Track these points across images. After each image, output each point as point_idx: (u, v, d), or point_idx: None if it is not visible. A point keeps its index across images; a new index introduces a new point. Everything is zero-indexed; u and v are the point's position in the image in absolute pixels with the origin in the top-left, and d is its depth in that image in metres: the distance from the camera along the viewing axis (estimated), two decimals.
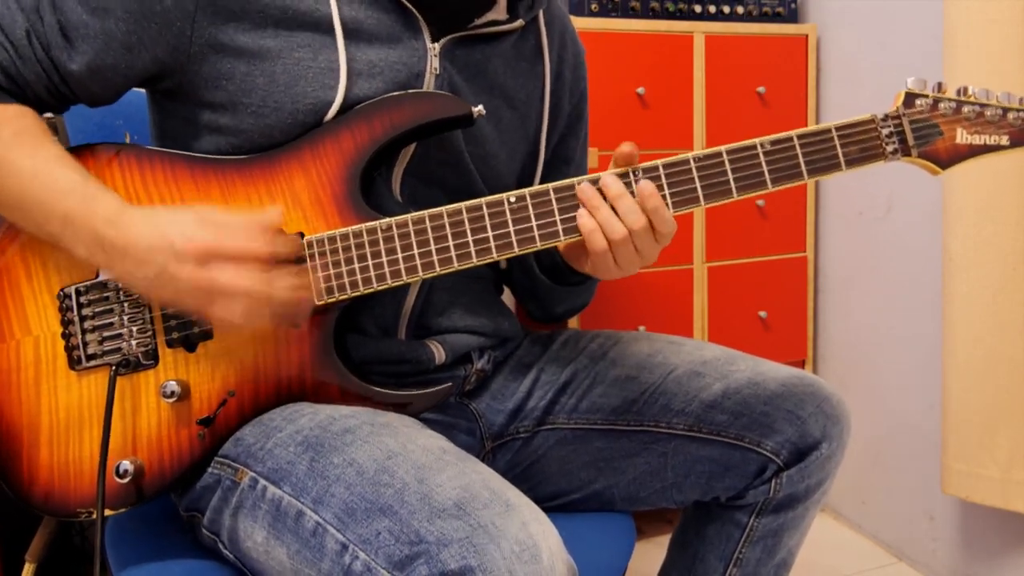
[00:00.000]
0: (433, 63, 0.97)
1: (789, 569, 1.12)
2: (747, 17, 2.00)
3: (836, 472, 1.06)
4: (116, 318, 0.90)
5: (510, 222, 0.90)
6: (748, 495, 1.04)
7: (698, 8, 1.96)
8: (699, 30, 1.93)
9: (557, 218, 0.90)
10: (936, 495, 1.85)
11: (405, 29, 0.96)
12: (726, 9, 1.97)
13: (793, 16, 2.04)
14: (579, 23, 1.82)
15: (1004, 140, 0.92)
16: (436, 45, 0.97)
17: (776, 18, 2.02)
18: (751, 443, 1.02)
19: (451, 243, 0.90)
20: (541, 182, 1.12)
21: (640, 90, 1.88)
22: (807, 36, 2.04)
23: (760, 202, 2.03)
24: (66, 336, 0.90)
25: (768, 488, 1.03)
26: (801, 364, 2.14)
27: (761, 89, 1.99)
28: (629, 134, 1.88)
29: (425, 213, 0.90)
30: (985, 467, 1.61)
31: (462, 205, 0.90)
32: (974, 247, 1.57)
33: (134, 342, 0.90)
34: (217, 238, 0.82)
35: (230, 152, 0.94)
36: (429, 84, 0.97)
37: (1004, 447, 1.59)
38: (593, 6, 1.85)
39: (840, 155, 0.92)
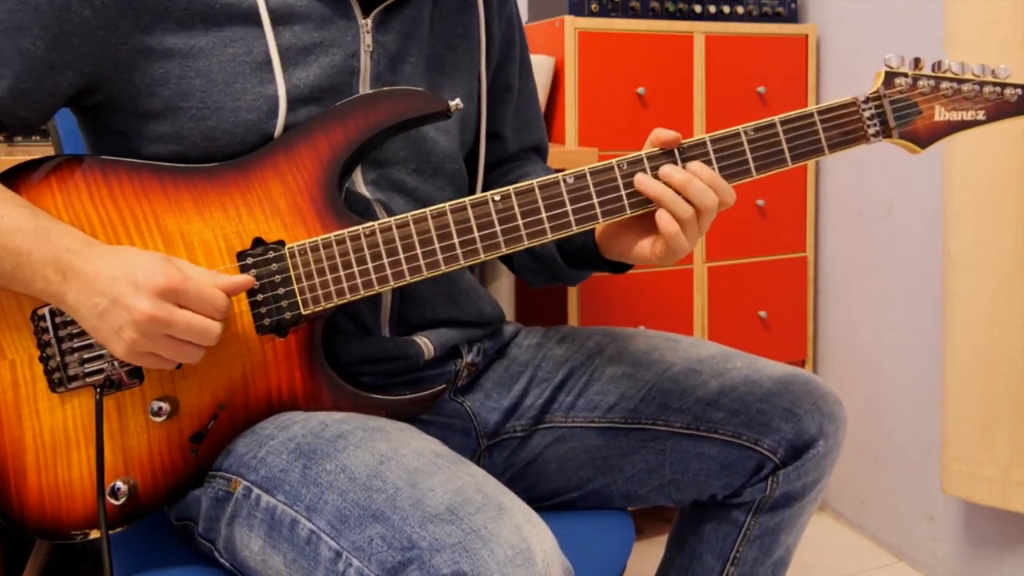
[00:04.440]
0: (366, 40, 0.96)
1: (786, 568, 1.12)
2: (747, 17, 2.00)
3: (832, 470, 1.06)
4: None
5: (496, 221, 0.89)
6: (745, 493, 1.04)
7: (698, 8, 1.96)
8: (699, 30, 1.93)
9: (544, 215, 0.89)
10: (936, 495, 1.85)
11: (335, 8, 0.95)
12: (726, 9, 1.97)
13: (793, 16, 2.04)
14: (579, 23, 1.83)
15: (981, 115, 0.93)
16: (368, 20, 0.96)
17: (776, 18, 2.02)
18: (748, 441, 1.02)
19: (437, 245, 0.89)
20: (488, 113, 1.11)
21: (640, 90, 1.88)
22: (807, 36, 2.04)
23: (760, 202, 2.03)
24: (44, 359, 0.87)
25: (765, 486, 1.03)
26: (801, 364, 2.14)
27: (761, 89, 1.99)
28: (629, 134, 1.88)
29: (408, 216, 0.89)
30: (985, 467, 1.61)
31: (446, 206, 0.89)
32: (974, 247, 1.57)
33: (116, 362, 0.87)
34: (183, 279, 0.80)
35: (172, 161, 0.90)
36: (364, 62, 0.96)
37: (1004, 447, 1.59)
38: (593, 6, 1.85)
39: (823, 139, 0.91)
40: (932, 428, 1.83)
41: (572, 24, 1.82)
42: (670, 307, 1.97)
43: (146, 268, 0.80)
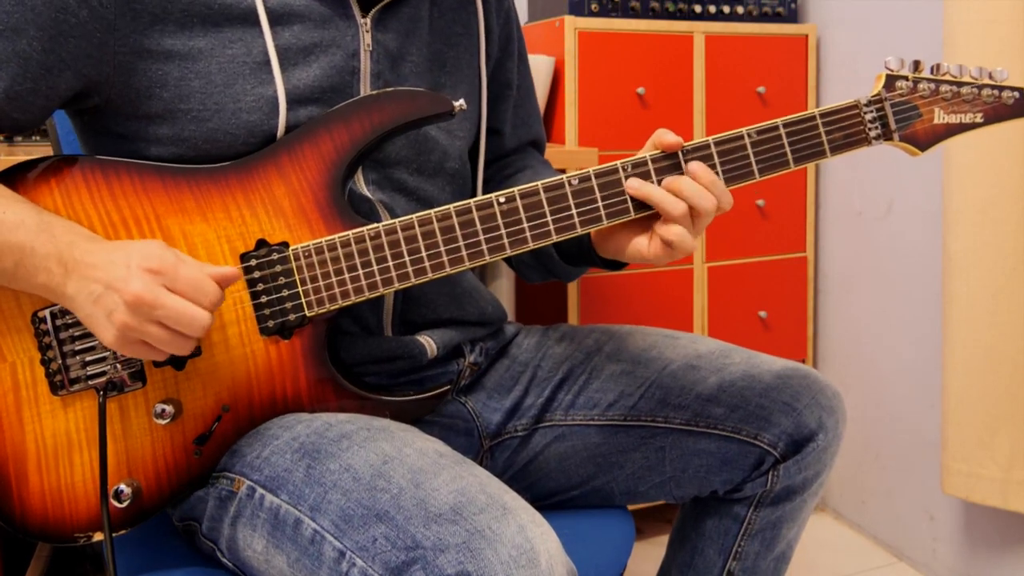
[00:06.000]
0: (366, 39, 0.96)
1: (788, 562, 1.12)
2: (747, 17, 2.00)
3: (833, 464, 1.06)
4: (97, 340, 0.86)
5: (501, 224, 0.89)
6: (746, 488, 1.04)
7: (698, 8, 1.96)
8: (699, 30, 1.93)
9: (548, 218, 0.89)
10: (936, 495, 1.85)
11: (334, 7, 0.94)
12: (726, 9, 1.97)
13: (793, 16, 2.04)
14: (579, 23, 1.83)
15: (979, 118, 0.94)
16: (367, 19, 0.96)
17: (776, 18, 2.02)
18: (748, 436, 1.02)
19: (442, 247, 0.88)
20: (488, 110, 1.11)
21: (640, 90, 1.89)
22: (807, 36, 2.04)
23: (760, 202, 2.03)
24: (45, 362, 0.86)
25: (765, 480, 1.03)
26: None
27: (761, 89, 2.00)
28: (629, 134, 1.88)
29: (413, 218, 0.88)
30: (985, 467, 1.61)
31: (450, 208, 0.88)
32: (974, 247, 1.57)
33: (119, 364, 0.87)
34: (175, 263, 0.79)
35: (174, 163, 0.90)
36: (364, 61, 0.96)
37: (1004, 447, 1.59)
38: (593, 6, 1.85)
39: (825, 141, 0.92)
40: (932, 428, 1.83)
41: (572, 24, 1.82)
42: (670, 307, 1.97)
43: (141, 252, 0.79)
